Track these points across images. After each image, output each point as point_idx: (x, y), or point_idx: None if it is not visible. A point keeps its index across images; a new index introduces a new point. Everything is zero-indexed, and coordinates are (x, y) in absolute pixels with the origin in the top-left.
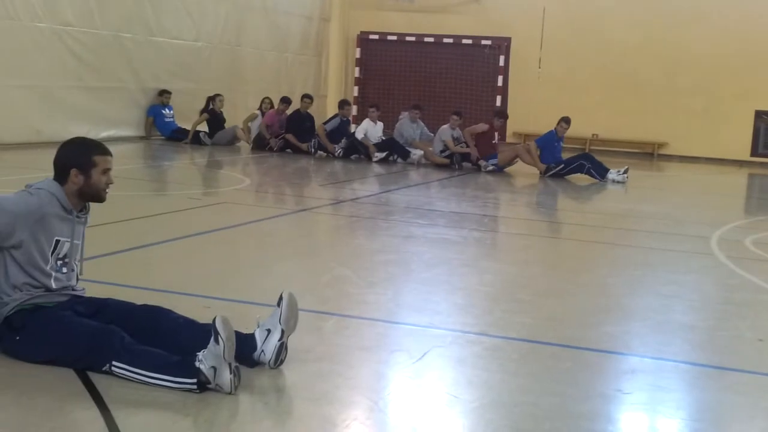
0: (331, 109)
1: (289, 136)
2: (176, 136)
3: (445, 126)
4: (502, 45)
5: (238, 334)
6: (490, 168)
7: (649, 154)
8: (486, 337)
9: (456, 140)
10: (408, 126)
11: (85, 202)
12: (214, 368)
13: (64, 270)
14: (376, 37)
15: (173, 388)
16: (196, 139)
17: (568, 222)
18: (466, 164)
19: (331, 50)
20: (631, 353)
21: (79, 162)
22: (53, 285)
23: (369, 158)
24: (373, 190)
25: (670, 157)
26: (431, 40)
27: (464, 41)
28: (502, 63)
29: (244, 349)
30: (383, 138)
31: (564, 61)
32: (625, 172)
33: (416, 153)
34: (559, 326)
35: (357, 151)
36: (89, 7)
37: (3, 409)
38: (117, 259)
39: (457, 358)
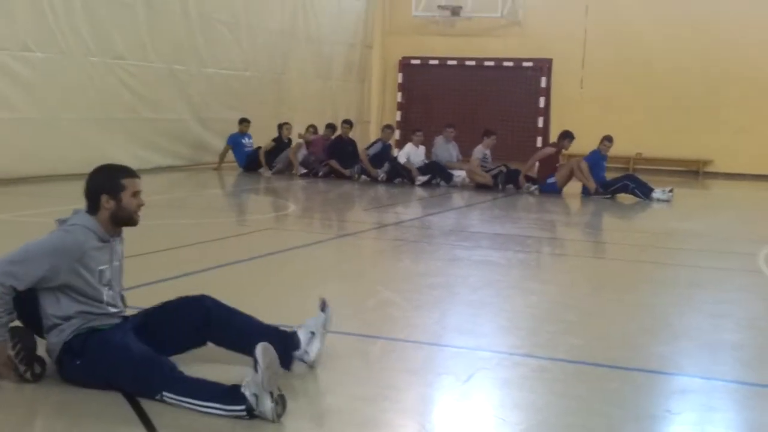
0: (375, 134)
1: (333, 162)
2: (253, 165)
3: (479, 146)
4: (544, 66)
5: (280, 332)
6: (533, 189)
7: (694, 172)
8: (532, 359)
9: (483, 159)
10: (443, 148)
11: (119, 227)
12: (256, 396)
13: (111, 293)
14: (417, 61)
15: (224, 416)
16: (257, 166)
17: (613, 242)
18: (509, 186)
19: (374, 76)
20: (680, 373)
21: (108, 187)
22: (104, 310)
23: (412, 182)
24: (417, 213)
25: (715, 175)
26: (472, 63)
27: (505, 64)
28: (543, 84)
29: (287, 346)
30: (426, 161)
31: (606, 81)
32: (671, 191)
33: (459, 175)
34: (606, 346)
35: (400, 175)
36: (141, 41)
37: None
38: (166, 286)
39: (503, 380)
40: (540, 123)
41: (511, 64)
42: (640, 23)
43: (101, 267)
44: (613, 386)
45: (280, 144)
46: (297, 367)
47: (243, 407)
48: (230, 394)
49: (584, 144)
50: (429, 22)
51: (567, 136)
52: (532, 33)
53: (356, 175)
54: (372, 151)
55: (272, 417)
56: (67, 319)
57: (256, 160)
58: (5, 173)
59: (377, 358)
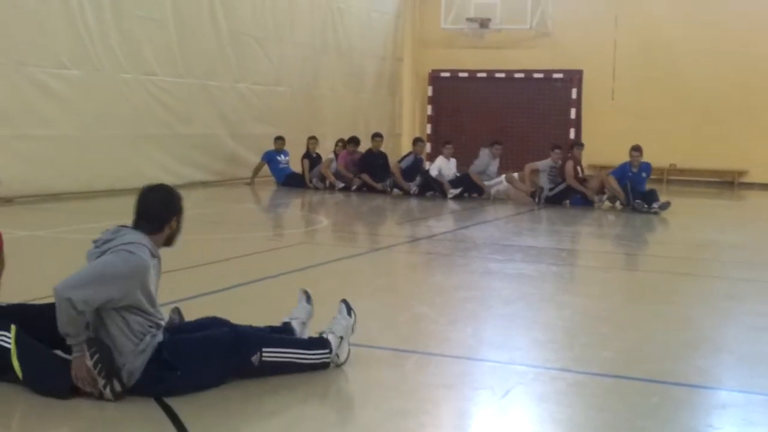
0: (406, 147)
1: (364, 176)
2: (290, 182)
3: (546, 160)
4: (574, 78)
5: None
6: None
7: (729, 182)
8: (568, 373)
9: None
10: (487, 162)
11: (163, 246)
12: (341, 338)
13: (158, 305)
14: (447, 74)
15: (314, 363)
16: (296, 183)
17: (647, 254)
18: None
19: (404, 89)
20: (720, 387)
21: (177, 209)
22: (160, 323)
23: (444, 195)
24: (449, 226)
25: (750, 185)
26: (502, 75)
27: (535, 75)
28: (574, 96)
29: (325, 350)
30: (458, 174)
31: (637, 92)
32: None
33: (496, 182)
34: (644, 360)
35: (432, 188)
36: (173, 57)
37: None
38: (202, 301)
39: (540, 394)
40: (572, 134)
41: (541, 75)
42: (670, 32)
43: (152, 283)
44: (652, 401)
45: (311, 159)
46: (333, 380)
47: (328, 350)
48: (316, 342)
49: (616, 155)
50: (458, 34)
51: (574, 144)
52: (562, 44)
53: (389, 189)
54: (404, 164)
55: (344, 360)
56: (141, 338)
57: (296, 177)
58: (41, 190)
59: (413, 372)
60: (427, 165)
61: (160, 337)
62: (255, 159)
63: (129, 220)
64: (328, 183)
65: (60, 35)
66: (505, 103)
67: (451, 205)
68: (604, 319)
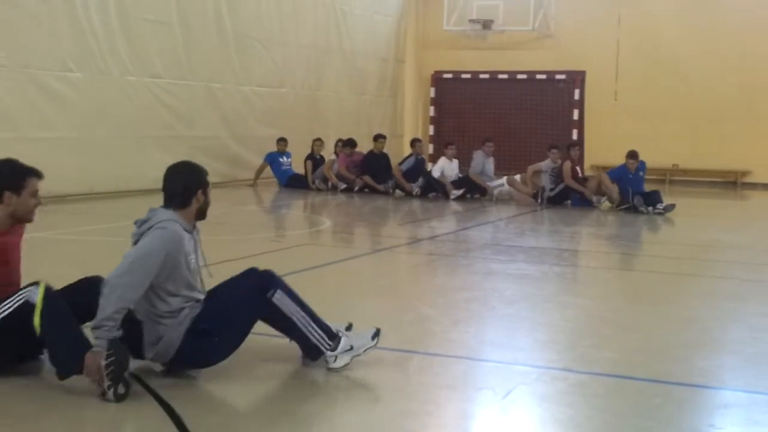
0: (408, 149)
1: (366, 177)
2: (293, 183)
3: (547, 160)
4: (577, 78)
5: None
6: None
7: (732, 183)
8: (571, 373)
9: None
10: (482, 162)
11: (196, 221)
12: (351, 348)
13: (198, 279)
14: (449, 75)
15: (310, 339)
16: (299, 185)
17: (650, 254)
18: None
19: (407, 90)
20: (723, 387)
21: (202, 182)
22: (198, 296)
23: (446, 196)
24: (452, 227)
25: (754, 186)
26: (505, 76)
27: (538, 76)
28: (577, 96)
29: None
30: (460, 175)
31: (640, 92)
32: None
33: (498, 184)
34: (646, 360)
35: (434, 189)
36: (178, 59)
37: None
38: None
39: (542, 395)
40: (574, 135)
41: (543, 77)
42: (673, 33)
43: (190, 256)
44: (655, 401)
45: (314, 160)
46: (336, 381)
47: (331, 343)
48: (327, 328)
49: (619, 156)
50: (461, 36)
51: (572, 144)
52: (565, 45)
53: (391, 190)
54: (405, 166)
55: (339, 367)
56: (180, 310)
57: (298, 179)
58: (45, 192)
59: (416, 373)
60: (429, 166)
61: (198, 309)
62: (258, 161)
63: (131, 221)
64: (330, 184)
65: (65, 38)
66: (507, 104)
67: (454, 206)
68: (607, 320)
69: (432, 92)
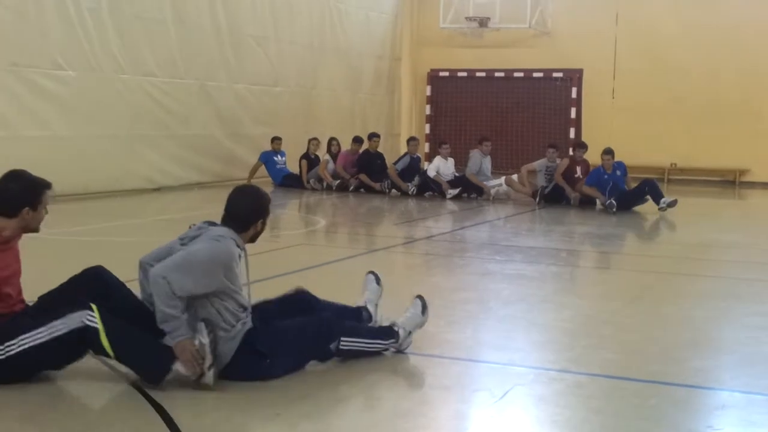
0: (405, 147)
1: (362, 176)
2: (288, 182)
3: (542, 159)
4: (574, 77)
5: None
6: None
7: (731, 181)
8: (568, 374)
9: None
10: (479, 161)
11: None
12: (410, 333)
13: (246, 296)
14: (446, 74)
15: (380, 350)
16: (293, 184)
17: (648, 254)
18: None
19: (403, 89)
20: (720, 388)
21: (265, 212)
22: (246, 312)
23: (442, 195)
24: (448, 227)
25: (752, 184)
26: (501, 74)
27: (535, 74)
28: (574, 95)
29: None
30: (456, 174)
31: (638, 91)
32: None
33: (496, 184)
34: (643, 361)
35: (430, 188)
36: (172, 57)
37: None
38: None
39: (539, 396)
40: (572, 134)
41: (540, 75)
42: (671, 31)
43: (241, 273)
44: (652, 402)
45: (309, 160)
46: (331, 382)
47: (394, 340)
48: (386, 331)
49: (617, 155)
50: (457, 33)
51: (577, 146)
52: (562, 43)
53: (387, 189)
54: (400, 165)
55: (405, 348)
56: (233, 324)
57: (293, 178)
58: None
59: (411, 374)
60: (425, 165)
61: (249, 324)
62: (252, 160)
63: (126, 221)
64: (325, 184)
65: (56, 36)
66: (504, 102)
67: (450, 205)
68: (604, 320)
69: (428, 90)
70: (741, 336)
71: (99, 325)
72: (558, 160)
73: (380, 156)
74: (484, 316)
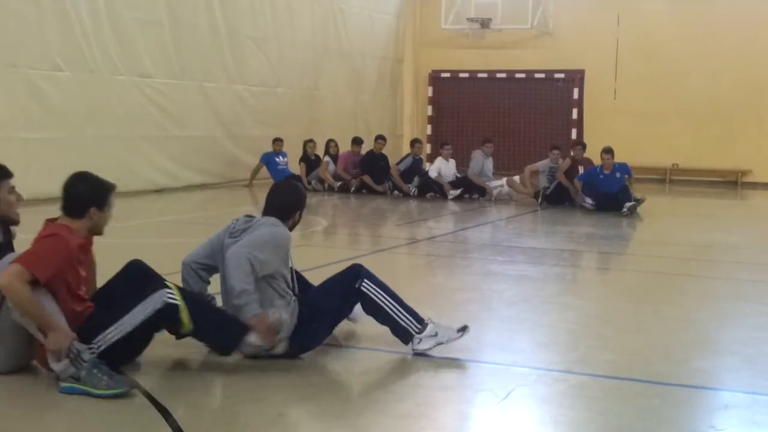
0: (407, 148)
1: (365, 177)
2: None
3: (545, 160)
4: (576, 78)
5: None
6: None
7: (733, 182)
8: (571, 375)
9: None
10: (481, 162)
11: None
12: (436, 336)
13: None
14: (447, 75)
15: (399, 323)
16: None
17: (650, 255)
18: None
19: (406, 90)
20: (723, 388)
21: (302, 206)
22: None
23: (444, 196)
24: (450, 228)
25: (754, 185)
26: (503, 75)
27: (537, 75)
28: (576, 96)
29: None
30: (458, 175)
31: (640, 91)
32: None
33: (498, 185)
34: (646, 362)
35: (431, 189)
36: (168, 58)
37: None
38: None
39: (541, 396)
40: (573, 135)
41: (542, 75)
42: (673, 32)
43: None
44: (655, 403)
45: (309, 162)
46: (334, 382)
47: (420, 327)
48: (415, 314)
49: (619, 155)
50: (459, 34)
51: (576, 143)
52: (564, 44)
53: (389, 191)
54: (402, 166)
55: (425, 350)
56: (288, 303)
57: (295, 179)
58: (35, 193)
59: (413, 375)
60: (427, 166)
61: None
62: (253, 161)
63: (124, 223)
64: (326, 185)
65: (54, 37)
66: (506, 103)
67: (452, 206)
68: (607, 321)
69: (430, 91)
70: (744, 337)
71: (179, 302)
72: (561, 162)
73: (384, 157)
74: (487, 316)
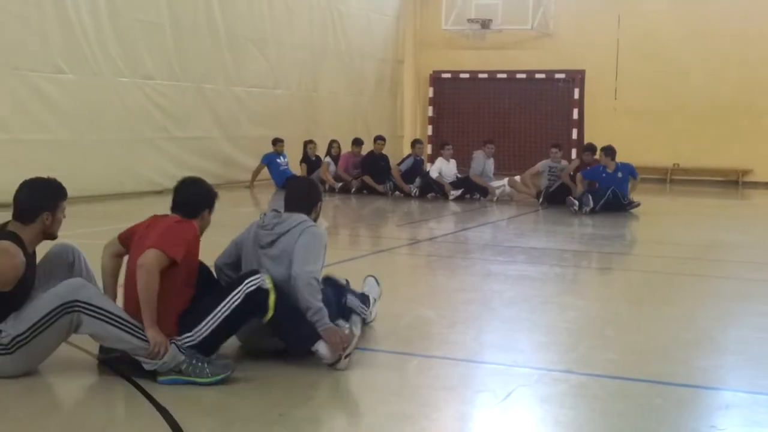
0: (408, 149)
1: (366, 178)
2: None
3: (545, 160)
4: (576, 78)
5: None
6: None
7: (734, 182)
8: (572, 375)
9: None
10: (482, 162)
11: None
12: (375, 300)
13: None
14: (448, 75)
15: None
16: None
17: (652, 254)
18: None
19: (406, 90)
20: (724, 388)
21: (320, 199)
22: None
23: (445, 196)
24: (451, 228)
25: (755, 184)
26: (504, 76)
27: (537, 76)
28: (576, 96)
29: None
30: (459, 175)
31: (640, 91)
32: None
33: (499, 185)
34: (647, 362)
35: (432, 189)
36: (169, 60)
37: None
38: None
39: (542, 396)
40: (574, 135)
41: (543, 76)
42: (673, 31)
43: None
44: (656, 402)
45: (309, 163)
46: (335, 383)
47: (367, 307)
48: (365, 298)
49: (619, 155)
50: (459, 35)
51: (586, 148)
52: (564, 44)
53: (389, 191)
54: (403, 166)
55: (373, 318)
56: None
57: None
58: None
59: (414, 375)
60: (427, 166)
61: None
62: (253, 162)
63: (125, 224)
64: (327, 186)
65: (56, 39)
66: (506, 103)
67: (453, 206)
68: (608, 321)
69: (430, 92)
70: (745, 336)
71: (270, 286)
72: (562, 161)
73: (384, 158)
74: (488, 317)
